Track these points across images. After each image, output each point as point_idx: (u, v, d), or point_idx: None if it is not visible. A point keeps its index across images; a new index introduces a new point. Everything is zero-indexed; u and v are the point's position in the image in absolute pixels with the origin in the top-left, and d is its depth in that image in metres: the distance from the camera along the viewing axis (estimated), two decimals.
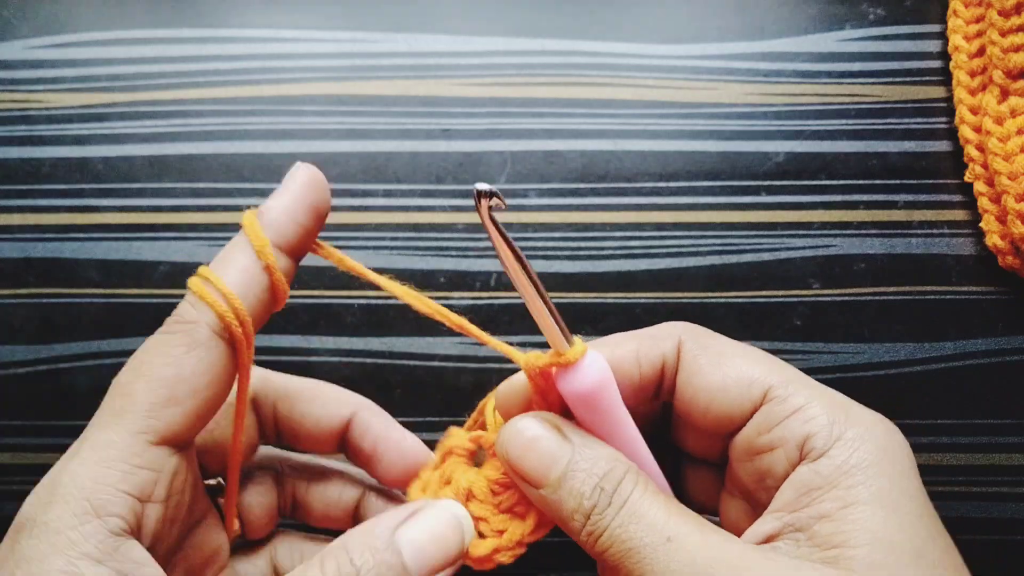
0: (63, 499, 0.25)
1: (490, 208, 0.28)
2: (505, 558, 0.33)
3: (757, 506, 0.31)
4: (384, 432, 0.36)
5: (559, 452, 0.30)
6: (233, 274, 0.30)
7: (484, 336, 0.33)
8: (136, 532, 0.26)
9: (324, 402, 0.36)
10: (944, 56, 0.46)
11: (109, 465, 0.26)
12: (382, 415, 0.36)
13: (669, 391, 0.33)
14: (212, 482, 0.34)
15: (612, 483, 0.29)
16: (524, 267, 0.29)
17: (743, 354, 0.31)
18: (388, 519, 0.29)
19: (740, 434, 0.31)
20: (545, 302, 0.29)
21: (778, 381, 0.30)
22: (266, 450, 0.38)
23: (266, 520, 0.36)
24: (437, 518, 0.30)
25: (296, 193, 0.31)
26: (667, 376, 0.32)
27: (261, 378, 0.36)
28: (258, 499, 0.36)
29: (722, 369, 0.31)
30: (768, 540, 0.28)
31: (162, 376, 0.28)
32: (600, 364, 0.30)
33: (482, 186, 0.28)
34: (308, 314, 0.44)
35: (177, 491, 0.28)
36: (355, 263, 0.33)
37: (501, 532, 0.33)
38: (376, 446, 0.36)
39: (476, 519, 0.33)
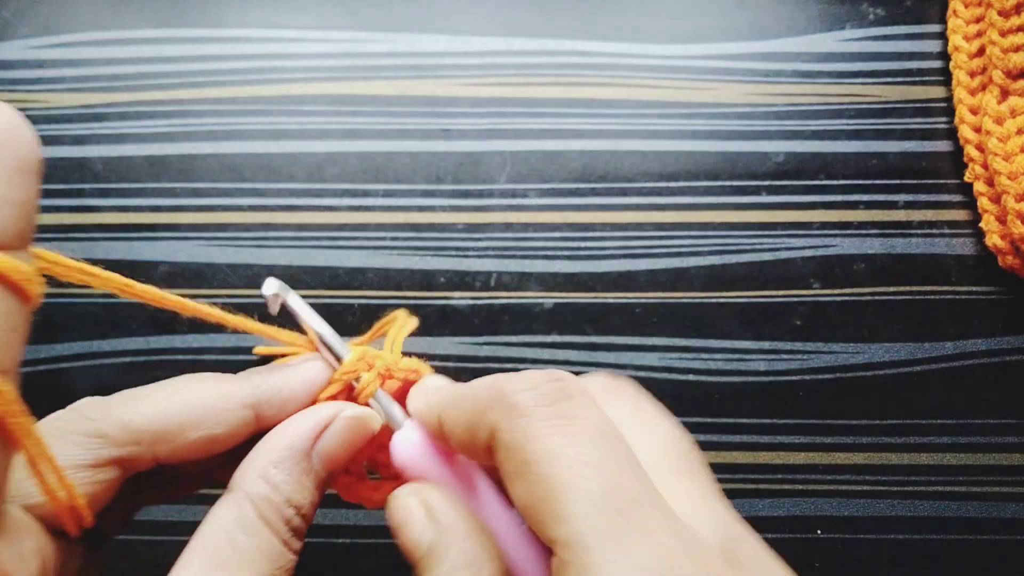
0: None
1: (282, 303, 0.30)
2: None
3: None
4: (289, 394, 0.29)
5: (422, 535, 0.26)
6: None
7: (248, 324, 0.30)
8: None
9: (201, 426, 0.28)
10: (944, 56, 0.46)
11: None
12: (277, 389, 0.29)
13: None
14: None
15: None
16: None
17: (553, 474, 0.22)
18: (301, 433, 0.28)
19: None
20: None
21: (572, 534, 0.21)
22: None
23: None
24: (347, 427, 0.29)
25: None
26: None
27: (97, 430, 0.27)
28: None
29: (527, 487, 0.23)
30: None
31: None
32: (406, 443, 0.29)
33: (269, 287, 0.30)
34: None
35: None
36: (71, 262, 0.27)
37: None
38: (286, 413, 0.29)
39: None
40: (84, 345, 0.45)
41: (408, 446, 0.29)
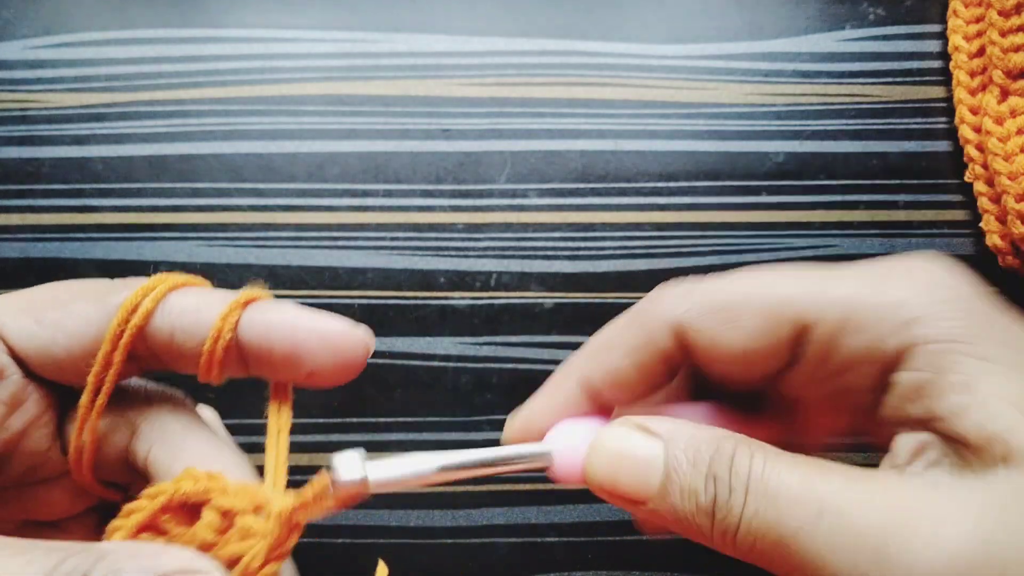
0: None
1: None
2: None
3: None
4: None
5: (650, 453, 0.25)
6: (184, 309, 0.26)
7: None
8: None
9: (197, 310, 0.26)
10: (944, 56, 0.46)
11: None
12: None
13: (685, 367, 0.27)
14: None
15: (724, 466, 0.24)
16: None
17: (749, 293, 0.25)
18: (145, 561, 0.22)
19: (797, 370, 0.26)
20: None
21: (804, 304, 0.24)
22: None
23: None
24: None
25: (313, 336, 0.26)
26: (673, 364, 0.27)
27: (152, 412, 0.28)
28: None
29: (737, 324, 0.25)
30: (914, 457, 0.24)
31: (54, 297, 0.27)
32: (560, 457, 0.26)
33: (343, 473, 0.23)
34: None
35: (1, 399, 0.26)
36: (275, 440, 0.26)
37: None
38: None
39: None
40: None
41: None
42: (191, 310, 0.26)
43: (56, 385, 0.27)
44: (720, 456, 0.24)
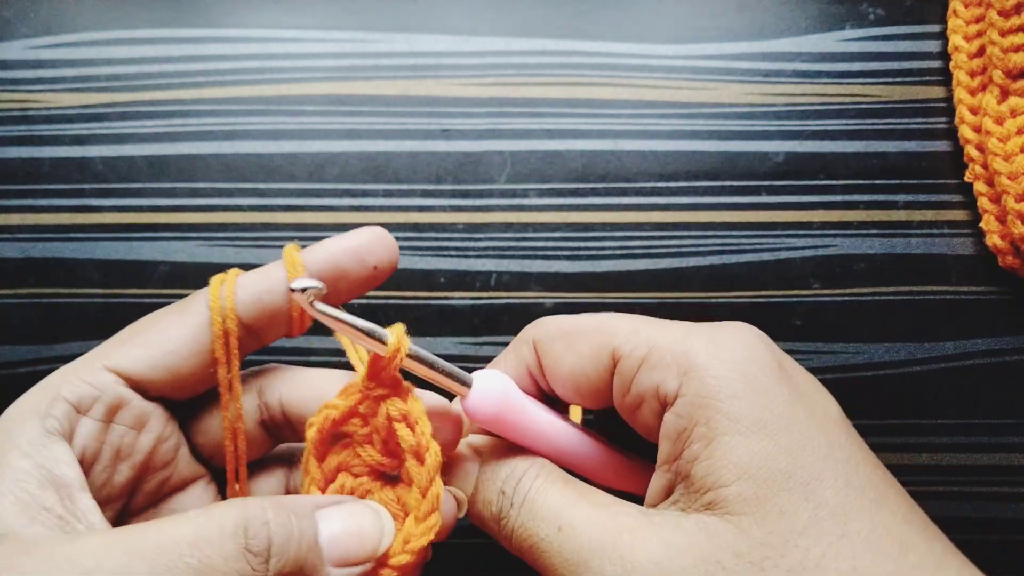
0: (23, 399, 0.29)
1: (312, 300, 0.28)
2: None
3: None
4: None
5: (468, 468, 0.32)
6: (253, 277, 0.32)
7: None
8: (68, 438, 0.28)
9: (322, 383, 0.33)
10: (944, 56, 0.46)
11: (64, 376, 0.29)
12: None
13: (550, 390, 0.33)
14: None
15: (512, 484, 0.30)
16: (378, 338, 0.28)
17: (590, 325, 0.32)
18: (311, 499, 0.29)
19: (614, 402, 0.32)
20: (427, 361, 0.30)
21: (622, 337, 0.30)
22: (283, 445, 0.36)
23: None
24: (360, 512, 0.29)
25: (347, 241, 0.33)
26: (538, 378, 0.33)
27: (268, 370, 0.34)
28: (266, 489, 0.35)
29: (573, 348, 0.31)
30: (666, 495, 0.29)
31: (144, 325, 0.31)
32: (494, 385, 0.30)
33: (298, 284, 0.27)
34: None
35: (127, 424, 0.30)
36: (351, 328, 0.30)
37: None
38: None
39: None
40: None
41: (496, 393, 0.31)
42: (260, 277, 0.32)
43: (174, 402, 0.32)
44: (511, 476, 0.30)
